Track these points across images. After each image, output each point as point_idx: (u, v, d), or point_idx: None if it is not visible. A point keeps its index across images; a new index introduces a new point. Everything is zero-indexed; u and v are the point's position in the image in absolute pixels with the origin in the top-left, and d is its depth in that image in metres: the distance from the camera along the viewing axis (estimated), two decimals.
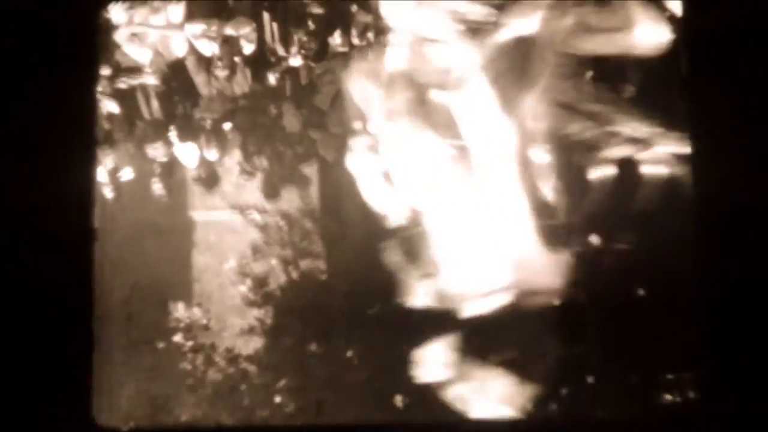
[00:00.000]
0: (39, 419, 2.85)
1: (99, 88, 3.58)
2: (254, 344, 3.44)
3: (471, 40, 3.40)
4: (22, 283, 2.92)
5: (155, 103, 3.69)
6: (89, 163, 3.10)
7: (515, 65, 3.39)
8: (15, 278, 2.92)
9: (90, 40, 3.13)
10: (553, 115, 3.38)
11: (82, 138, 3.07)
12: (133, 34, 3.66)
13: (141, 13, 3.65)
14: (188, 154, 3.65)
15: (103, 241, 3.53)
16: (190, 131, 3.66)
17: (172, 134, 3.65)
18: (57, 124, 3.01)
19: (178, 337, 3.46)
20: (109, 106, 3.66)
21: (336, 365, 3.35)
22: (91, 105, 3.13)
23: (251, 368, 3.42)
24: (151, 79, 3.68)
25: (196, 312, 3.48)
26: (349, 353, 3.36)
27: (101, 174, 3.58)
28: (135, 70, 3.68)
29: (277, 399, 3.35)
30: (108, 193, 3.62)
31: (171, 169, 3.67)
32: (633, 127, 3.39)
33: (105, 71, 3.63)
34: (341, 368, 3.35)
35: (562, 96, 3.39)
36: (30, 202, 2.95)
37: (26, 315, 2.91)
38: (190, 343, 3.45)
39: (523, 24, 3.40)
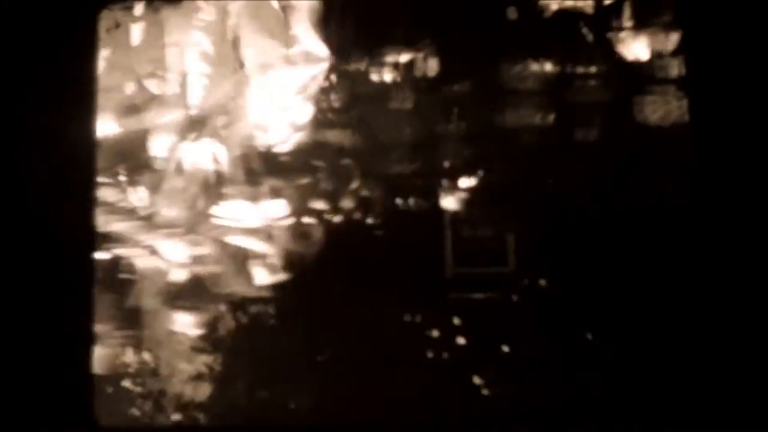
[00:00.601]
0: (39, 419, 2.85)
1: None
2: (204, 391, 3.40)
3: None
4: (21, 282, 2.92)
5: None
6: (91, 160, 3.11)
7: None
8: (14, 277, 2.92)
9: (90, 40, 3.13)
10: None
11: (82, 138, 3.08)
12: None
13: None
14: (137, 194, 3.60)
15: None
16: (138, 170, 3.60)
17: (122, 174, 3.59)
18: (56, 123, 3.01)
19: (126, 383, 3.40)
20: None
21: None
22: (91, 104, 3.13)
23: (201, 415, 3.38)
24: None
25: (145, 357, 3.43)
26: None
27: None
28: None
29: None
30: None
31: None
32: None
33: None
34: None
35: None
36: (29, 202, 2.96)
37: (26, 314, 2.92)
38: (138, 389, 3.40)
39: None
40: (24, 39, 3.10)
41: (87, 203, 3.19)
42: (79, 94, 3.18)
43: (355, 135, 3.51)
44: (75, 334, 3.05)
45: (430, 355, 3.36)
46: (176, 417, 3.35)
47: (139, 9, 3.47)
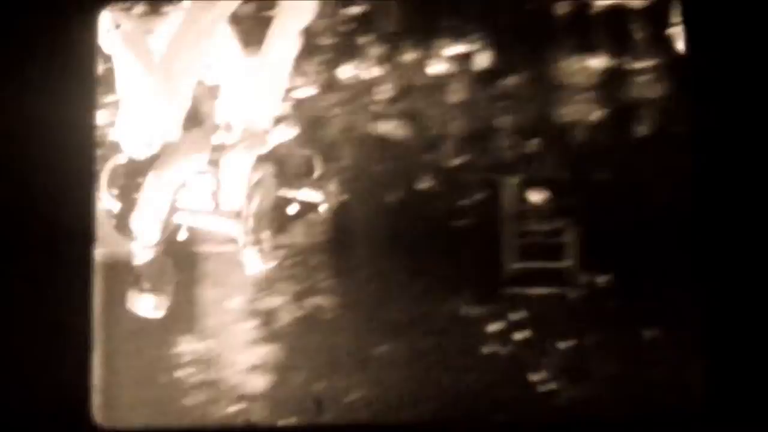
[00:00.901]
0: (39, 419, 2.85)
1: None
2: (260, 382, 3.40)
3: None
4: (21, 282, 2.92)
5: None
6: (90, 160, 3.10)
7: None
8: (14, 276, 2.92)
9: (90, 39, 3.13)
10: None
11: (82, 137, 3.07)
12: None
13: None
14: None
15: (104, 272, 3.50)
16: None
17: None
18: (56, 123, 3.01)
19: (182, 373, 3.41)
20: None
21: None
22: (91, 103, 3.12)
23: (257, 406, 3.39)
24: None
25: (201, 347, 3.44)
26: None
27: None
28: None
29: None
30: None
31: None
32: None
33: None
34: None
35: None
36: (28, 202, 2.95)
37: (25, 314, 2.91)
38: (194, 379, 3.41)
39: None
40: (24, 39, 3.10)
41: (87, 201, 3.17)
42: (79, 93, 3.17)
43: (409, 126, 3.50)
44: (75, 335, 3.03)
45: (487, 350, 3.35)
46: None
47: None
